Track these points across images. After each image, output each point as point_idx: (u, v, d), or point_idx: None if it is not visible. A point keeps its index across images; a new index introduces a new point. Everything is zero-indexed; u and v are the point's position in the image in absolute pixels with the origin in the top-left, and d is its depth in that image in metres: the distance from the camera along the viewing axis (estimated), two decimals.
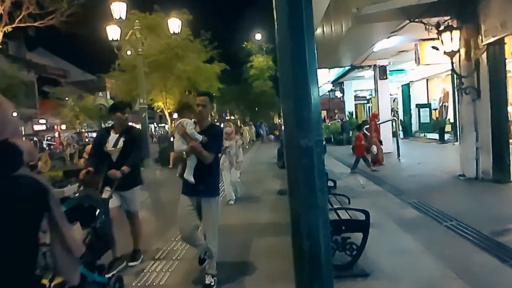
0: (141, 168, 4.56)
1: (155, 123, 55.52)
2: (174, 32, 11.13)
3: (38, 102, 33.14)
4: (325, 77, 22.80)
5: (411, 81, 18.04)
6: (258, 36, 42.06)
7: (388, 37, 9.75)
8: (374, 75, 13.76)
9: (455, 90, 12.92)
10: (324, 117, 39.84)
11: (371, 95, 25.40)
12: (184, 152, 3.41)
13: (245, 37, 48.31)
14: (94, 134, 38.92)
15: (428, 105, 18.22)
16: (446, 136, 15.10)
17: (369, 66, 13.83)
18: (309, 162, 1.59)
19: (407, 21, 7.65)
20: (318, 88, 1.68)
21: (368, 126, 11.16)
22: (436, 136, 16.25)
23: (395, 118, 12.55)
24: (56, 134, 37.33)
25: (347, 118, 19.33)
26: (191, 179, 3.42)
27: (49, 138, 35.46)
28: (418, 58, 10.39)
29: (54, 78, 34.56)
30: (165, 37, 13.44)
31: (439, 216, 5.24)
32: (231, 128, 7.33)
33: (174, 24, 11.18)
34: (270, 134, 30.95)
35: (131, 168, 3.86)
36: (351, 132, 18.87)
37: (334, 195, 4.57)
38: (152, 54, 13.80)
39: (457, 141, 14.17)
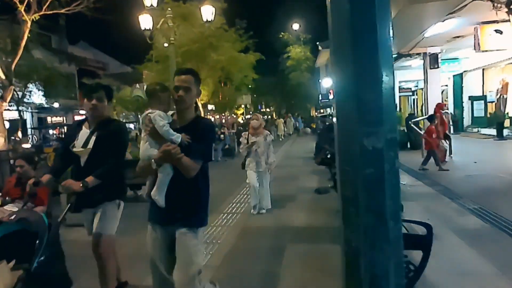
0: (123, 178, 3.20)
1: None
2: (207, 20, 10.69)
3: (79, 94, 34.43)
4: None
5: (464, 71, 16.59)
6: (295, 26, 41.13)
7: (443, 20, 8.77)
8: (424, 64, 12.68)
9: None
10: None
11: (417, 86, 23.87)
12: (153, 160, 2.25)
13: (282, 27, 47.51)
14: (132, 125, 40.18)
15: (483, 98, 16.71)
16: (505, 132, 13.70)
17: (418, 54, 12.78)
18: (376, 173, 1.04)
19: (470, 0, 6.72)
20: (393, 60, 1.12)
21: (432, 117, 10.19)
22: (492, 131, 14.84)
23: (447, 111, 11.47)
24: None
25: None
26: (161, 201, 2.27)
27: None
28: (478, 43, 9.31)
29: (93, 71, 35.70)
30: (198, 26, 13.09)
31: (510, 228, 4.45)
32: (259, 120, 6.14)
33: (207, 11, 10.74)
34: (306, 127, 30.16)
35: (102, 179, 2.80)
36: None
37: None
38: (185, 44, 13.52)
39: None
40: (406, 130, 13.20)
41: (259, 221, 5.58)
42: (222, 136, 13.75)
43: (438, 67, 12.40)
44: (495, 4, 6.69)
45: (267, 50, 17.56)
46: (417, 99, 24.94)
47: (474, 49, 9.51)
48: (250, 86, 21.71)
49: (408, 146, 12.93)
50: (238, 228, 5.17)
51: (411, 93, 24.19)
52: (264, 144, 5.87)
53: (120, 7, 14.81)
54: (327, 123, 12.24)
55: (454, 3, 7.16)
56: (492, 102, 16.15)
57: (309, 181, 8.38)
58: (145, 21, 10.71)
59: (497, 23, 9.12)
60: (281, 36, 40.11)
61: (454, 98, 18.36)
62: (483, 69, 16.78)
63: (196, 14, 12.83)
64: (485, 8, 7.40)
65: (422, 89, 23.59)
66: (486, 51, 9.50)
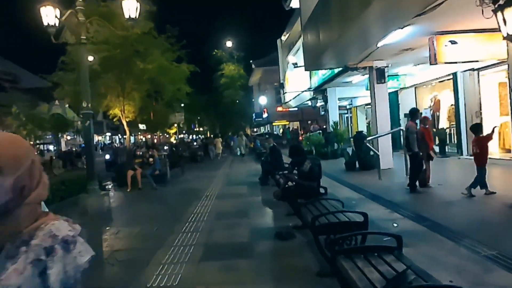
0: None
1: (119, 135, 51.56)
2: (130, 17, 8.44)
3: None
4: (303, 84, 20.75)
5: (401, 88, 16.27)
6: (228, 44, 40.11)
7: (402, 27, 7.68)
8: (370, 79, 11.73)
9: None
10: (297, 128, 38.21)
11: (351, 104, 23.71)
12: None
13: (215, 45, 46.20)
14: (51, 147, 34.85)
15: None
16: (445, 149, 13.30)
17: (364, 68, 11.79)
18: None
19: None
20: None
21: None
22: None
23: (402, 128, 10.56)
24: None
25: (331, 129, 17.23)
26: None
27: None
28: (435, 54, 8.37)
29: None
30: (121, 28, 10.72)
31: None
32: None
33: (131, 7, 8.51)
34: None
35: None
36: (336, 144, 16.83)
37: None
38: (104, 49, 11.05)
39: (461, 154, 12.39)
40: (354, 149, 12.11)
41: None
42: (151, 159, 11.32)
43: (385, 81, 11.54)
44: (481, 1, 5.59)
45: (200, 67, 15.73)
46: (351, 117, 24.80)
47: (430, 62, 8.58)
48: (183, 104, 19.27)
49: (357, 166, 11.79)
50: None
51: (346, 111, 23.94)
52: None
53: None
54: (293, 143, 10.51)
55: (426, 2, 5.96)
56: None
57: (263, 217, 6.47)
58: (48, 15, 8.20)
59: (451, 34, 8.33)
60: (214, 53, 38.69)
61: (390, 115, 18.02)
62: (415, 87, 16.69)
63: (119, 15, 10.48)
64: (443, 18, 6.48)
65: (357, 107, 23.56)
66: (444, 63, 8.64)
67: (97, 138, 54.72)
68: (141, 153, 11.58)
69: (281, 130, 45.44)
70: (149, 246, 5.20)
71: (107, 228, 6.47)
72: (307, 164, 4.96)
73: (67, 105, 29.93)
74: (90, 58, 11.96)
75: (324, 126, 22.59)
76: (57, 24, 8.37)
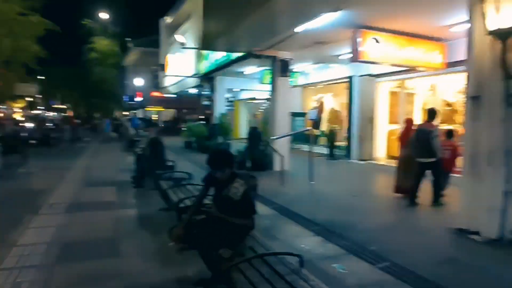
0: None
1: None
2: None
3: None
4: (187, 70, 18.07)
5: (294, 86, 15.35)
6: (103, 15, 33.99)
7: (336, 10, 6.11)
8: (273, 70, 10.06)
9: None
10: (176, 115, 35.18)
11: (234, 97, 22.21)
12: None
13: (87, 14, 38.86)
14: None
15: (303, 114, 15.97)
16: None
17: (267, 57, 10.05)
18: None
19: None
20: None
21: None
22: (311, 149, 13.98)
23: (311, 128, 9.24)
24: None
25: (220, 121, 15.16)
26: None
27: None
28: (357, 50, 7.09)
29: None
30: None
31: None
32: None
33: None
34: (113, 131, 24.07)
35: None
36: (219, 138, 14.87)
37: None
38: None
39: (349, 158, 11.94)
40: (249, 145, 10.31)
41: None
42: None
43: (288, 75, 10.03)
44: None
45: (67, 35, 11.49)
46: (233, 110, 23.27)
47: (352, 58, 7.28)
48: (34, 68, 13.71)
49: (248, 165, 9.96)
50: None
51: (228, 104, 22.24)
52: None
53: None
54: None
55: None
56: (313, 120, 15.48)
57: (143, 258, 3.82)
58: None
59: (374, 31, 7.23)
60: (84, 22, 32.26)
61: None
62: (303, 87, 16.14)
63: None
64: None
65: (240, 100, 22.12)
66: (366, 62, 7.50)
67: None
68: None
69: (155, 116, 41.30)
70: None
71: None
72: (239, 187, 2.66)
73: None
74: None
75: (204, 117, 20.39)
76: None
